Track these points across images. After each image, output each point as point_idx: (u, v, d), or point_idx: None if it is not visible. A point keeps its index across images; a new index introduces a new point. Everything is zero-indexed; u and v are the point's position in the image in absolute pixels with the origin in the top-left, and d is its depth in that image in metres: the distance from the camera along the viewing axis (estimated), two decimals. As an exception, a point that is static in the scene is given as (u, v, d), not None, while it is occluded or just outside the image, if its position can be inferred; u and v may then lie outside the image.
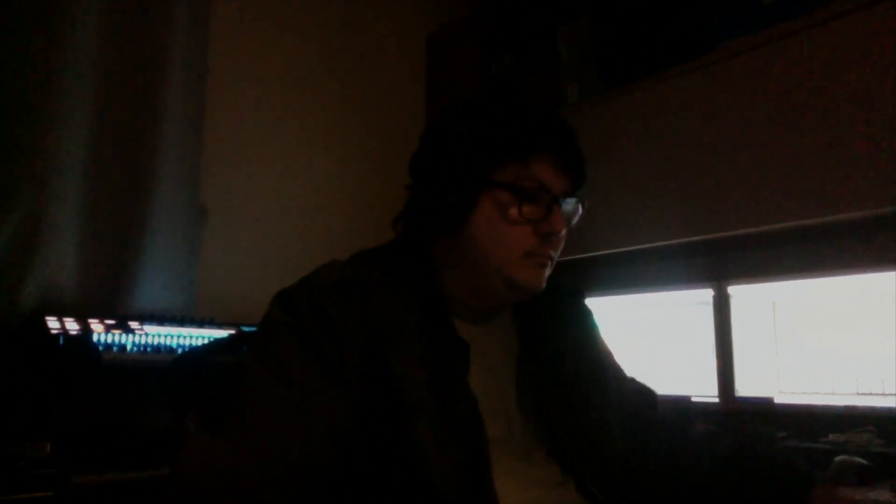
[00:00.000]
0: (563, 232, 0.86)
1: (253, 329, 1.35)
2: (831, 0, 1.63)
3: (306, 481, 0.70)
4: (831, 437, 1.54)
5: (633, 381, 1.07)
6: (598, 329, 1.04)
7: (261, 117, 2.34)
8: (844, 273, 1.66)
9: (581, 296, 1.04)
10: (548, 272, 0.88)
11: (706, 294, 1.90)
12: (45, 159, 1.79)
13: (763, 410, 1.75)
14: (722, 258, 1.99)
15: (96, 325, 1.69)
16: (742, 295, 1.83)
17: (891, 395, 1.54)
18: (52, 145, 1.80)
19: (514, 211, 0.83)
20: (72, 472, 1.41)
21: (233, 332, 1.79)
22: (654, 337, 2.01)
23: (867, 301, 1.61)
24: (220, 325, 1.90)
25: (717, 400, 1.84)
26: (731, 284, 1.85)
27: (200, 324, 1.89)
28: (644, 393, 1.06)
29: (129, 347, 1.67)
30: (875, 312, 1.58)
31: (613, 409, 0.96)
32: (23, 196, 1.76)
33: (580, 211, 0.89)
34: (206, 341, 1.80)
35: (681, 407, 1.92)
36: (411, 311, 0.82)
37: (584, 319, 1.03)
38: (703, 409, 1.87)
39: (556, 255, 0.88)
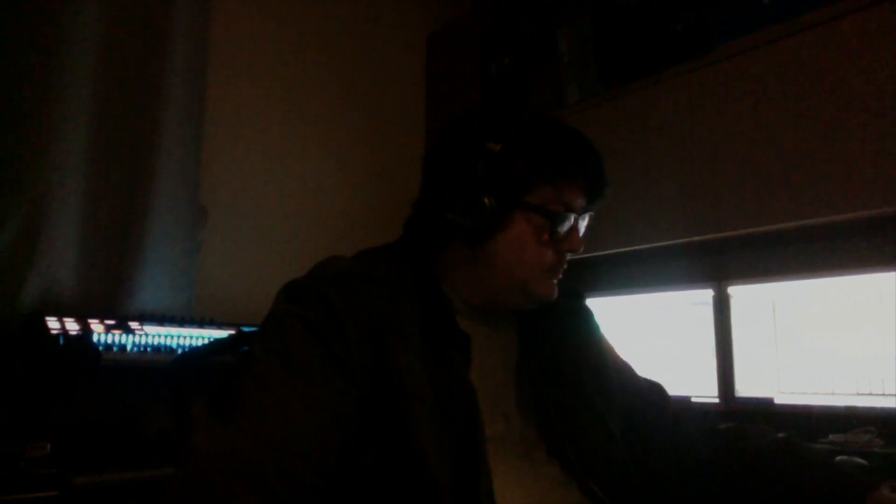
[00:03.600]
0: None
1: (253, 329, 1.36)
2: (831, 0, 1.63)
3: (309, 466, 0.70)
4: (831, 437, 1.54)
5: (639, 378, 1.06)
6: (598, 328, 1.05)
7: (261, 117, 2.34)
8: (844, 273, 1.66)
9: (581, 297, 1.06)
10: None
11: (706, 294, 1.90)
12: (46, 159, 1.79)
13: (763, 410, 1.75)
14: (722, 258, 1.99)
15: (96, 325, 1.69)
16: (742, 295, 1.83)
17: (891, 395, 1.54)
18: (53, 145, 1.80)
19: (544, 233, 0.86)
20: (72, 472, 1.41)
21: (233, 332, 1.79)
22: (654, 337, 2.01)
23: (867, 301, 1.61)
24: (220, 325, 1.90)
25: (717, 400, 1.84)
26: (731, 284, 1.85)
27: (200, 324, 1.89)
28: (651, 389, 1.05)
29: (129, 347, 1.67)
30: (875, 312, 1.58)
31: (615, 408, 0.96)
32: (23, 196, 1.76)
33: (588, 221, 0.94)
34: (206, 341, 1.80)
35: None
36: (413, 306, 0.83)
37: (585, 319, 1.04)
38: (703, 410, 1.87)
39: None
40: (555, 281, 0.91)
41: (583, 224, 0.92)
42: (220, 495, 0.65)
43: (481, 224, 0.85)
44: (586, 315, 1.05)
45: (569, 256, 0.91)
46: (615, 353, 1.06)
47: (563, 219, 0.87)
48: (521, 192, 0.85)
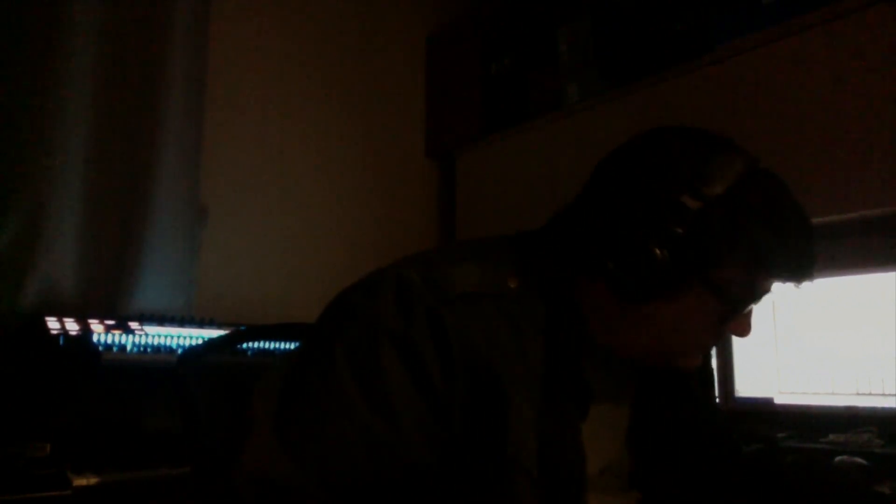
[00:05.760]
0: None
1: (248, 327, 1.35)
2: (831, 0, 1.63)
3: None
4: (831, 437, 1.54)
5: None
6: (712, 369, 0.98)
7: (260, 117, 2.34)
8: (844, 273, 1.66)
9: None
10: None
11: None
12: (46, 159, 1.79)
13: (763, 410, 1.75)
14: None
15: (96, 326, 1.69)
16: (742, 295, 1.83)
17: (891, 395, 1.54)
18: (52, 145, 1.80)
19: (715, 317, 0.73)
20: (72, 472, 1.41)
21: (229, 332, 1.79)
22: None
23: (867, 301, 1.61)
24: (220, 325, 1.89)
25: (716, 400, 1.83)
26: (731, 284, 1.85)
27: (200, 324, 1.88)
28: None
29: (129, 347, 1.67)
30: (875, 312, 1.58)
31: (718, 455, 0.91)
32: (23, 196, 1.76)
33: None
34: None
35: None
36: (537, 333, 0.73)
37: (705, 362, 0.95)
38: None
39: None
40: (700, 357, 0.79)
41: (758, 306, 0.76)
42: None
43: (643, 286, 0.70)
44: (706, 358, 0.95)
45: None
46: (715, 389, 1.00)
47: (744, 306, 0.73)
48: (707, 265, 0.70)
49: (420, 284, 0.70)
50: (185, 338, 1.77)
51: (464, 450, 0.68)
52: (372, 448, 0.66)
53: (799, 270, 0.72)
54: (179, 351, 1.74)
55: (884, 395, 1.56)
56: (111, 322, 1.73)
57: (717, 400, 0.96)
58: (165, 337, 1.73)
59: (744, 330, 0.76)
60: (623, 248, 0.71)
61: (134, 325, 1.75)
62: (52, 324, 1.65)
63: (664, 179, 0.71)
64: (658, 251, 0.69)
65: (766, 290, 0.74)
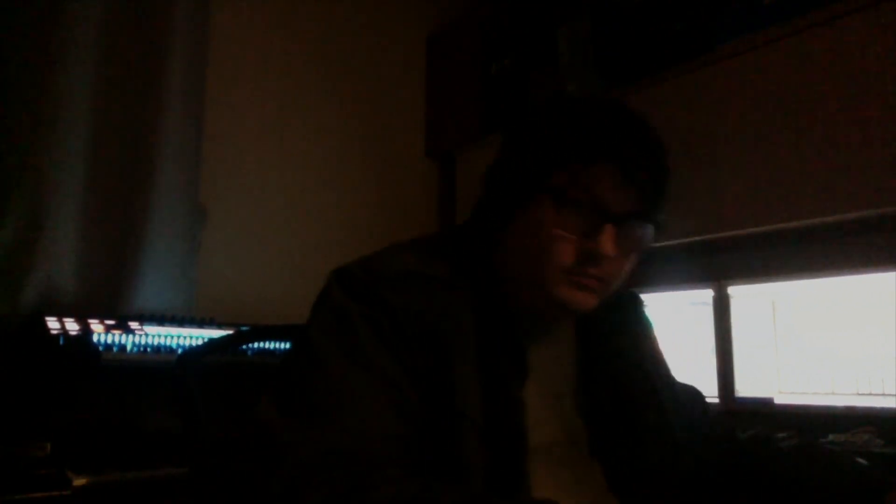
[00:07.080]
0: (614, 254, 0.76)
1: (248, 328, 1.36)
2: (831, 0, 1.63)
3: (396, 450, 0.70)
4: (831, 437, 1.54)
5: (678, 385, 1.01)
6: (654, 339, 0.99)
7: (261, 117, 2.34)
8: (844, 273, 1.66)
9: (639, 303, 0.99)
10: (600, 295, 0.80)
11: (706, 294, 1.90)
12: (46, 159, 1.79)
13: (763, 410, 1.75)
14: (722, 258, 1.99)
15: (96, 325, 1.69)
16: (742, 295, 1.83)
17: (891, 395, 1.54)
18: (52, 145, 1.80)
19: (553, 221, 0.75)
20: (72, 472, 1.41)
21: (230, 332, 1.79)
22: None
23: (867, 301, 1.61)
24: (220, 325, 1.89)
25: (717, 400, 1.83)
26: (731, 284, 1.85)
27: (200, 324, 1.89)
28: (687, 397, 1.01)
29: (129, 347, 1.67)
30: (875, 312, 1.58)
31: (667, 423, 0.90)
32: (23, 196, 1.76)
33: (649, 235, 0.79)
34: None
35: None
36: (470, 310, 0.78)
37: (642, 328, 0.98)
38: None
39: (608, 278, 0.78)
40: (581, 291, 0.77)
41: (628, 231, 0.77)
42: (333, 487, 0.64)
43: (497, 203, 0.81)
44: (644, 322, 0.98)
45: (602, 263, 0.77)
46: (666, 365, 0.99)
47: (577, 206, 0.75)
48: (543, 173, 0.77)
49: (360, 272, 0.78)
50: (185, 338, 1.77)
51: (425, 408, 0.74)
52: (380, 402, 0.71)
53: (617, 156, 0.75)
54: (179, 351, 1.75)
55: (884, 395, 1.56)
56: (111, 322, 1.73)
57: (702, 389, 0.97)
58: (165, 337, 1.73)
59: (603, 246, 0.75)
60: (487, 177, 0.84)
61: (134, 325, 1.75)
62: (52, 324, 1.65)
63: (519, 121, 0.85)
64: (504, 174, 0.82)
65: (608, 192, 0.75)
